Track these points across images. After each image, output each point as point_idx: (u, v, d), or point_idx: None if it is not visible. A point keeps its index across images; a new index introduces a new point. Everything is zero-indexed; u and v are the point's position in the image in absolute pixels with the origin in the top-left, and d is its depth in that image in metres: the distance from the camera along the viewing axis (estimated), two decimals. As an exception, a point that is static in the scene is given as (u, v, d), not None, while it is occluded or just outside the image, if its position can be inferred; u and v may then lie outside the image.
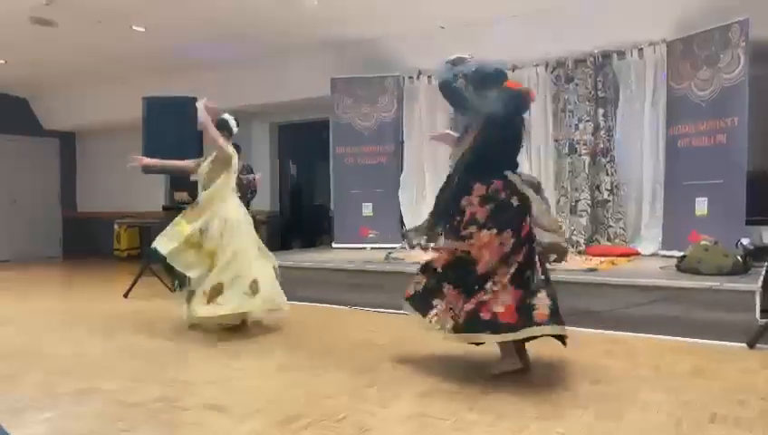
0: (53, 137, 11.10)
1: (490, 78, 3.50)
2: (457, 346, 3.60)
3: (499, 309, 3.14)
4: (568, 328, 4.46)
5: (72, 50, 7.93)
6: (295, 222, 10.11)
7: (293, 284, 6.05)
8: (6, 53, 8.29)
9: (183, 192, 8.32)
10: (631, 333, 4.31)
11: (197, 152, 7.12)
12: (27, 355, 3.98)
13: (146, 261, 6.75)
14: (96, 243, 10.73)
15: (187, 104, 6.60)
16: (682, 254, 5.00)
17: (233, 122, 4.89)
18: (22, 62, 8.59)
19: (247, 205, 8.24)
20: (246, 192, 8.24)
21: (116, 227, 10.18)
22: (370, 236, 7.56)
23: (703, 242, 4.95)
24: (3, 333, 4.65)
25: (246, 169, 8.33)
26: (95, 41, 7.54)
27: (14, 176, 10.42)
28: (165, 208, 8.60)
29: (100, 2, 6.28)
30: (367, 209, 7.68)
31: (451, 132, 3.98)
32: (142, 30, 7.14)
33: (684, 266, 4.83)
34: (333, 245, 7.83)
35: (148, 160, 5.13)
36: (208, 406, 2.91)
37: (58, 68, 8.88)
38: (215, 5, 6.45)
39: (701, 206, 5.73)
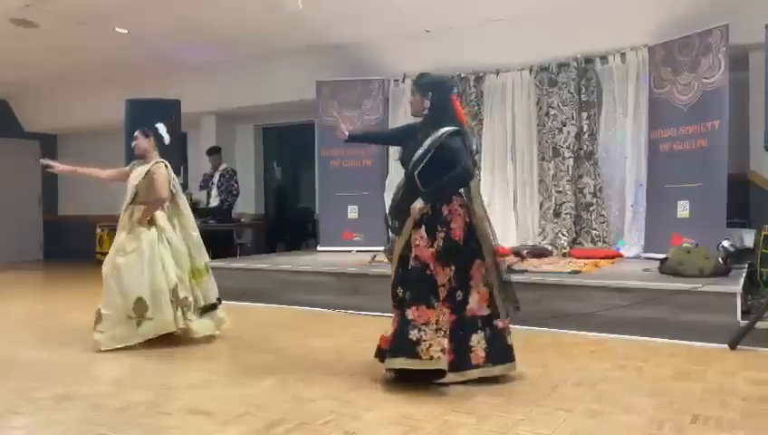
0: (35, 139, 10.95)
1: (448, 89, 3.57)
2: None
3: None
4: (553, 330, 4.53)
5: (54, 51, 7.84)
6: (280, 225, 10.06)
7: (278, 287, 6.05)
8: (-14, 55, 8.18)
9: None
10: (614, 335, 4.34)
11: (180, 155, 7.09)
12: (2, 360, 3.92)
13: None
14: (78, 246, 10.59)
15: (170, 107, 6.59)
16: (664, 256, 5.05)
17: (164, 131, 4.66)
18: (3, 64, 8.47)
19: (230, 207, 8.26)
20: (231, 194, 8.23)
21: (99, 230, 10.08)
22: (355, 238, 7.55)
23: (684, 244, 5.01)
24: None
25: (229, 173, 8.31)
26: (78, 42, 7.47)
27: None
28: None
29: (82, 3, 6.22)
30: (352, 212, 7.67)
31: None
32: (125, 32, 7.08)
33: (666, 269, 4.88)
34: (318, 248, 7.80)
35: (62, 167, 4.72)
36: (191, 411, 2.88)
37: (40, 70, 8.78)
38: (199, 8, 6.42)
39: (683, 208, 5.78)
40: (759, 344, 3.94)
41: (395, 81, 7.71)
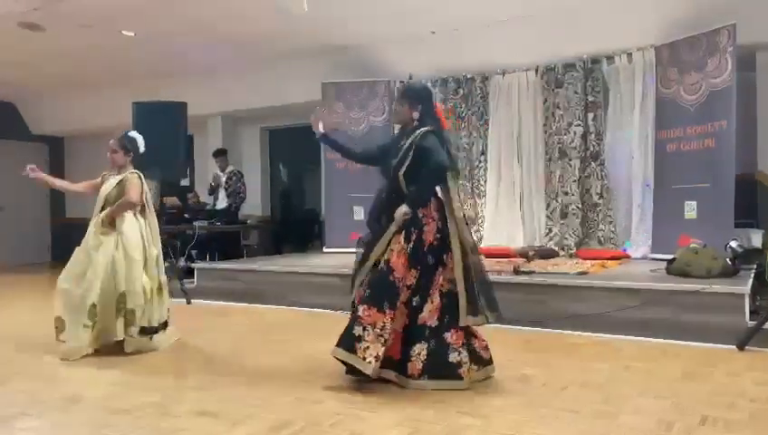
0: (42, 142, 11.01)
1: (432, 98, 3.57)
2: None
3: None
4: (560, 331, 4.52)
5: (62, 54, 7.88)
6: (286, 227, 10.07)
7: (284, 288, 6.06)
8: (-6, 58, 8.23)
9: (173, 197, 8.30)
10: (622, 336, 4.32)
11: (186, 157, 7.11)
12: (11, 363, 3.94)
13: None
14: (85, 249, 10.60)
15: (177, 110, 6.60)
16: (672, 257, 5.03)
17: (140, 142, 4.51)
18: (10, 67, 8.52)
19: (237, 209, 8.28)
20: (238, 196, 8.26)
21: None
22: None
23: (692, 245, 4.99)
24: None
25: (236, 175, 8.33)
26: (85, 45, 7.50)
27: (1, 182, 10.32)
28: (155, 214, 8.55)
29: (89, 6, 6.24)
30: (358, 214, 7.66)
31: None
32: (132, 35, 7.11)
33: (673, 269, 4.86)
34: (324, 249, 7.81)
35: (40, 175, 4.57)
36: (198, 412, 2.89)
37: (47, 73, 8.82)
38: (205, 11, 6.43)
39: (690, 209, 5.76)
40: (767, 345, 3.91)
41: (400, 82, 7.68)
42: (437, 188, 3.32)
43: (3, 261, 10.26)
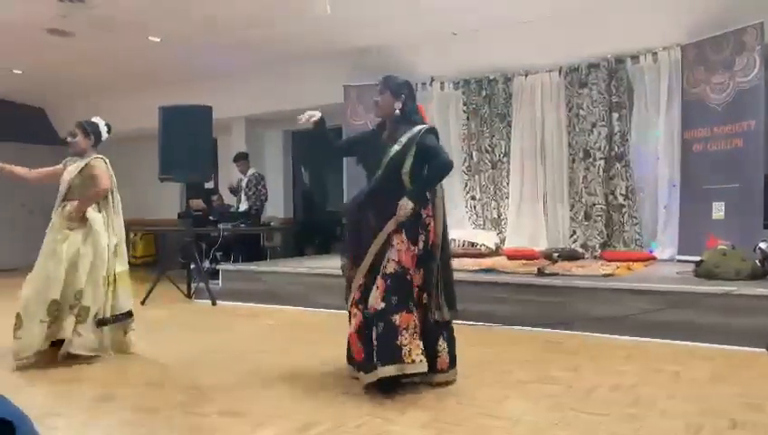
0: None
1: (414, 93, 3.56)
2: (470, 353, 3.59)
3: None
4: (586, 334, 4.49)
5: (89, 60, 8.03)
6: (308, 229, 10.13)
7: (307, 290, 6.09)
8: (23, 64, 8.41)
9: (198, 199, 8.41)
10: (649, 339, 4.27)
11: (211, 160, 7.20)
12: (43, 363, 4.00)
13: (162, 268, 6.81)
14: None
15: (202, 113, 6.69)
16: (699, 258, 4.96)
17: (103, 126, 4.34)
18: (39, 73, 8.71)
19: (258, 211, 8.36)
20: (259, 198, 8.33)
21: (131, 234, 10.28)
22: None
23: (720, 247, 4.91)
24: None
25: (257, 178, 8.40)
26: (112, 51, 7.65)
27: (30, 185, 10.50)
28: (180, 216, 8.68)
29: (116, 13, 6.36)
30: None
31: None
32: (158, 40, 7.22)
33: (701, 271, 4.79)
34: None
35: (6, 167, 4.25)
36: (225, 412, 2.92)
37: (75, 78, 9.00)
38: (228, 15, 6.51)
39: (718, 210, 5.68)
40: (799, 349, 3.85)
41: (422, 84, 7.70)
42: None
43: (32, 262, 10.46)
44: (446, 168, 3.26)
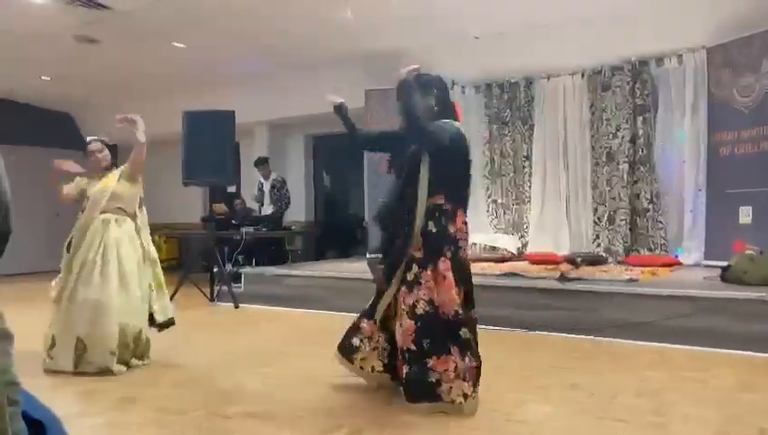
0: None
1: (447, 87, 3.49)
2: (491, 358, 3.57)
3: None
4: (609, 339, 4.44)
5: (115, 66, 8.17)
6: (330, 232, 10.17)
7: (329, 293, 6.11)
8: (51, 70, 8.59)
9: (221, 203, 8.49)
10: (674, 345, 4.21)
11: (234, 164, 7.26)
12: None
13: (185, 271, 6.88)
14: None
15: (225, 118, 6.77)
16: (726, 264, 4.88)
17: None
18: (66, 79, 8.88)
19: (280, 215, 8.41)
20: (282, 202, 8.39)
21: (156, 237, 10.39)
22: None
23: (748, 252, 4.83)
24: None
25: (280, 183, 8.46)
26: (137, 57, 7.77)
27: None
28: (203, 220, 8.77)
29: (141, 20, 6.46)
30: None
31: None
32: (182, 46, 7.32)
33: (729, 277, 4.71)
34: (367, 255, 7.83)
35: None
36: (249, 414, 2.94)
37: (101, 84, 9.16)
38: (251, 21, 6.57)
39: (745, 214, 5.59)
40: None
41: (444, 88, 7.71)
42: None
43: (58, 266, 10.66)
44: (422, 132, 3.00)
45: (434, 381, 2.88)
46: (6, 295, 8.31)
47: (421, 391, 2.90)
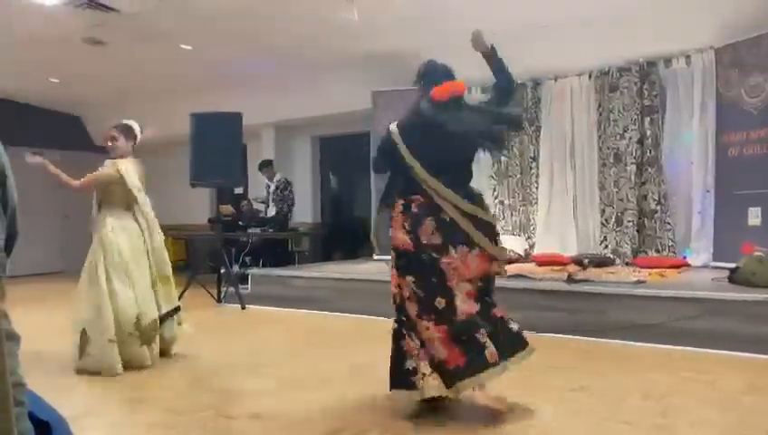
0: (105, 153, 11.47)
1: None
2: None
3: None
4: (617, 341, 4.41)
5: (122, 68, 8.21)
6: (336, 234, 10.18)
7: (335, 294, 6.12)
8: (60, 73, 8.65)
9: (227, 205, 8.51)
10: (682, 347, 4.18)
11: (241, 166, 7.28)
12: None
13: (192, 272, 6.90)
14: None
15: (232, 120, 6.79)
16: (735, 265, 4.85)
17: (137, 129, 4.46)
18: (74, 82, 8.94)
19: (286, 216, 8.43)
20: (286, 203, 8.41)
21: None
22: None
23: (757, 253, 4.79)
24: (61, 343, 4.79)
25: (284, 184, 8.47)
26: (144, 59, 7.80)
27: (66, 192, 10.73)
28: (210, 221, 8.81)
29: (148, 22, 6.49)
30: (407, 221, 7.66)
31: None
32: (189, 48, 7.35)
33: (737, 278, 4.68)
34: (374, 256, 7.84)
35: (44, 163, 4.25)
36: (254, 415, 2.95)
37: (108, 86, 9.20)
38: (257, 23, 6.60)
39: (754, 216, 5.55)
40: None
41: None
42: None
43: (68, 267, 10.72)
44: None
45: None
46: (18, 296, 8.37)
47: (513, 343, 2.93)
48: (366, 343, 4.69)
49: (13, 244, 1.35)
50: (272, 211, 8.43)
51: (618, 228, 6.58)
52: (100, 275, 3.89)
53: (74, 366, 3.84)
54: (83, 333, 3.83)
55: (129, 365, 3.81)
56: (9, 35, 6.89)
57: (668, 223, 6.39)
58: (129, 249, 4.03)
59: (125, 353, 3.81)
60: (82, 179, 4.19)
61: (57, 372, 3.79)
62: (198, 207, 10.31)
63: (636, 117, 6.49)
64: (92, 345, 3.80)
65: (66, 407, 3.10)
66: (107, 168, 4.20)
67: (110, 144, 4.30)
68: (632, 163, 6.50)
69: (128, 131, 4.33)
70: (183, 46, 7.29)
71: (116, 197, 4.18)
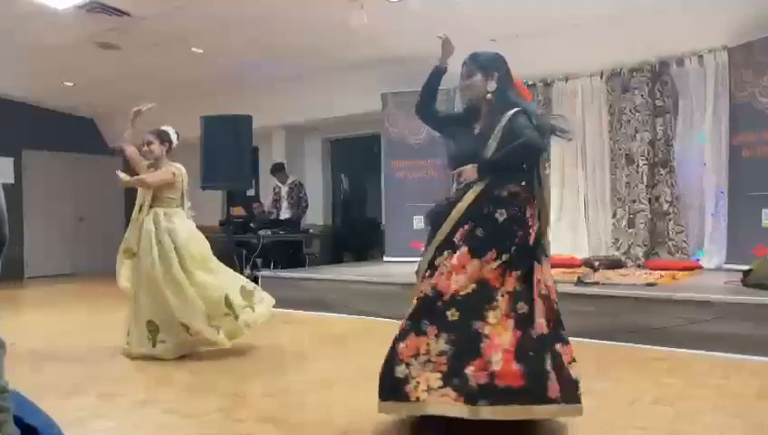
0: (118, 155, 11.56)
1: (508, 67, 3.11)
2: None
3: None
4: (628, 344, 4.38)
5: (134, 72, 8.27)
6: (347, 235, 10.19)
7: (346, 297, 6.12)
8: (74, 76, 8.74)
9: (238, 207, 8.55)
10: (693, 351, 4.14)
11: (252, 168, 7.31)
12: (91, 365, 4.14)
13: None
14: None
15: (243, 122, 6.82)
16: (748, 268, 4.79)
17: (174, 135, 4.76)
18: (88, 85, 9.02)
19: (299, 219, 8.44)
20: (300, 206, 8.44)
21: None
22: (422, 249, 7.53)
23: (770, 255, 4.74)
24: (67, 344, 4.84)
25: (297, 187, 8.49)
26: (157, 63, 7.86)
27: (80, 194, 10.89)
28: (221, 223, 8.85)
29: (160, 26, 6.54)
30: (418, 223, 7.67)
31: None
32: (200, 51, 7.40)
33: (750, 281, 4.63)
34: (384, 258, 7.84)
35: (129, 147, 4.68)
36: (262, 418, 2.95)
37: (121, 89, 9.25)
38: (268, 25, 6.62)
39: (768, 217, 5.49)
40: None
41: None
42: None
43: (81, 269, 10.82)
44: (527, 145, 2.62)
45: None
46: (31, 298, 8.48)
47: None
48: (376, 345, 4.66)
49: (1, 250, 1.35)
50: (285, 213, 8.45)
51: (629, 230, 6.52)
52: (173, 264, 4.15)
53: (138, 353, 4.13)
54: (150, 323, 4.11)
55: (233, 337, 4.18)
56: (24, 40, 6.97)
57: (681, 225, 6.33)
58: (190, 239, 4.36)
59: (227, 333, 4.15)
60: (153, 179, 4.46)
61: (66, 374, 3.81)
62: (210, 208, 10.35)
63: (648, 118, 6.44)
64: (164, 332, 4.09)
65: (71, 410, 3.13)
66: (169, 168, 4.47)
67: (145, 148, 4.50)
68: (644, 164, 6.44)
69: (163, 136, 4.55)
70: (194, 50, 7.34)
71: (170, 196, 4.47)
